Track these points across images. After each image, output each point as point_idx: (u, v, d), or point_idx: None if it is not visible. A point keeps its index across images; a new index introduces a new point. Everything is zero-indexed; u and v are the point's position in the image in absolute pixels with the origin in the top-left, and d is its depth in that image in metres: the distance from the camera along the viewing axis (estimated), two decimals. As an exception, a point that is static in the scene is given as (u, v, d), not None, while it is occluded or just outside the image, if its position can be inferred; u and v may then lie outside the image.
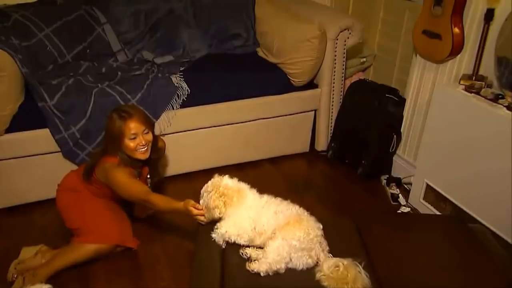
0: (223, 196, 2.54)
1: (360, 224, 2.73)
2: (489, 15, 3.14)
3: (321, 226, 2.49)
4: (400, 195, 3.90)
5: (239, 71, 4.14)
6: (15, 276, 2.99)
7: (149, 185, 3.30)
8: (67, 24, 4.10)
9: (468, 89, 3.19)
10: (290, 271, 2.36)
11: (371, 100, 4.07)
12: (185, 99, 3.81)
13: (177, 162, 4.03)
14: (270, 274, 2.32)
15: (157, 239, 3.41)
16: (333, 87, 4.34)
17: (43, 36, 3.95)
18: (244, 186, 2.64)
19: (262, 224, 2.47)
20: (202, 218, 2.65)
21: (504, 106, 2.94)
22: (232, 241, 2.48)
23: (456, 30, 3.28)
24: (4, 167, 3.49)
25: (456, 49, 3.34)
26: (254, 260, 2.38)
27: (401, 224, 2.83)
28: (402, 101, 4.02)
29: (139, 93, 3.66)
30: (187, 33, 4.49)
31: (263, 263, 2.33)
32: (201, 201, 2.64)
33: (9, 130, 3.40)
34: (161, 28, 4.46)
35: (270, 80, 4.16)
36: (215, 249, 2.49)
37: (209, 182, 2.64)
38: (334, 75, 4.29)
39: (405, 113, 4.00)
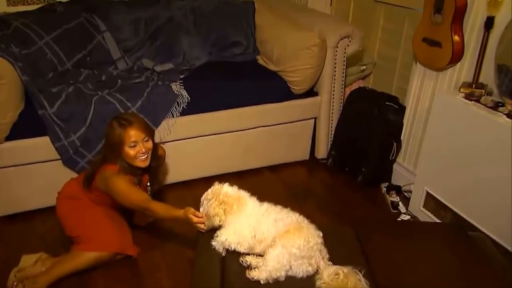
0: (223, 204, 2.54)
1: (360, 232, 2.74)
2: (489, 23, 3.14)
3: (321, 234, 2.49)
4: (400, 202, 3.90)
5: (239, 79, 4.14)
6: (15, 284, 2.98)
7: (149, 193, 3.29)
8: (67, 32, 4.11)
9: (468, 97, 3.19)
10: (290, 279, 2.36)
11: (371, 108, 4.08)
12: (185, 107, 3.81)
13: (177, 170, 4.03)
14: (270, 281, 2.32)
15: (157, 247, 3.40)
16: (333, 95, 4.34)
17: (43, 44, 3.95)
18: (244, 194, 2.64)
19: (262, 231, 2.47)
20: (202, 226, 2.65)
21: (504, 114, 2.94)
22: (232, 248, 2.48)
23: (456, 38, 3.28)
24: (4, 175, 3.49)
25: (456, 57, 3.34)
26: (254, 268, 2.38)
27: (401, 232, 2.83)
28: (402, 109, 4.02)
29: (139, 101, 3.66)
30: (187, 40, 4.51)
31: (263, 270, 2.33)
32: (201, 209, 2.64)
33: (9, 138, 3.40)
34: (161, 36, 4.47)
35: (270, 88, 4.16)
36: (215, 256, 2.49)
37: (209, 190, 2.64)
38: (334, 83, 4.29)
39: (405, 121, 4.00)
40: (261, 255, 2.44)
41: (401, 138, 4.05)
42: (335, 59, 4.19)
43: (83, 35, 4.21)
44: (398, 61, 4.54)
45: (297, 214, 2.56)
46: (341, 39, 4.12)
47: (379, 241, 2.65)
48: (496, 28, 3.16)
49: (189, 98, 3.81)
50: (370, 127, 4.06)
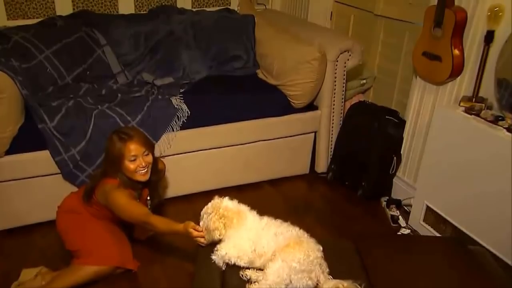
0: (223, 218, 2.53)
1: (360, 246, 2.73)
2: (489, 37, 3.15)
3: (321, 248, 2.48)
4: (400, 217, 3.89)
5: (239, 93, 4.14)
6: (15, 298, 2.98)
7: (149, 207, 3.28)
8: (67, 46, 4.11)
9: (468, 111, 3.20)
10: (290, 293, 2.35)
11: (371, 122, 4.08)
12: (185, 121, 3.81)
13: (177, 184, 4.03)
14: (270, 296, 2.32)
15: (157, 261, 3.39)
16: (333, 109, 4.34)
17: (43, 58, 3.95)
18: (244, 208, 2.63)
19: (262, 246, 2.46)
20: (202, 240, 2.64)
21: (504, 128, 2.94)
22: (232, 263, 2.48)
23: (456, 52, 3.28)
24: (4, 189, 3.48)
25: (456, 71, 3.34)
26: (254, 282, 2.38)
27: (401, 246, 2.82)
28: (402, 123, 4.02)
29: (139, 115, 3.66)
30: (187, 55, 4.51)
31: (263, 284, 2.32)
32: (201, 223, 2.63)
33: (9, 152, 3.39)
34: (161, 50, 4.48)
35: (270, 102, 4.17)
36: (215, 271, 2.48)
37: (209, 204, 2.64)
38: (334, 97, 4.29)
39: (405, 135, 4.00)
40: (261, 269, 2.44)
41: (401, 152, 4.05)
42: (335, 73, 4.19)
43: (83, 49, 4.21)
44: (398, 75, 4.54)
45: (297, 228, 2.56)
46: (341, 53, 4.13)
47: (379, 255, 2.64)
48: (496, 42, 3.17)
49: (189, 112, 3.81)
50: (370, 141, 4.06)
